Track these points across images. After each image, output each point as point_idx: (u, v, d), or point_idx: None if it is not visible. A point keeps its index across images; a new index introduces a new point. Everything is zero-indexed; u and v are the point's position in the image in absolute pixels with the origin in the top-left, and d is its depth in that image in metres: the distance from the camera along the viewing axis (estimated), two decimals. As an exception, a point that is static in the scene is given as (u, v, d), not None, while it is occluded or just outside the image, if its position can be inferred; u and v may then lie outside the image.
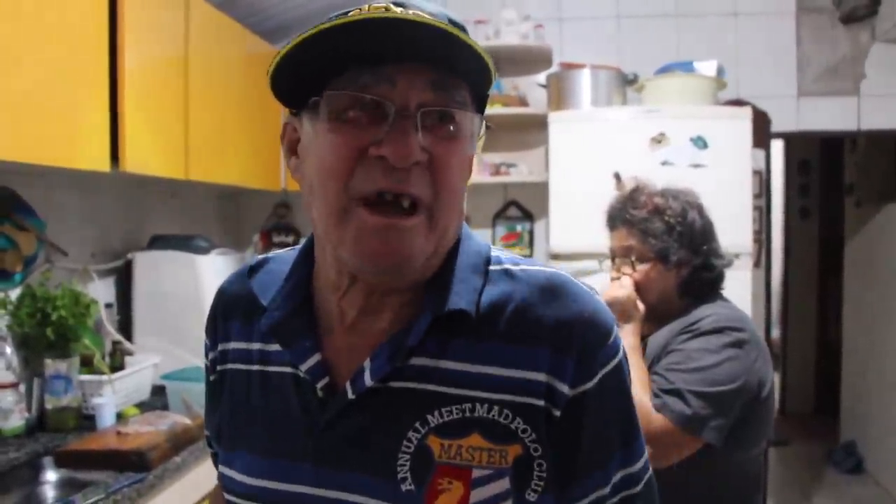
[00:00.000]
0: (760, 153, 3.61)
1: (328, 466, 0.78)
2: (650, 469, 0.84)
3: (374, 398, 0.77)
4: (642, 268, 1.77)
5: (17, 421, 2.19)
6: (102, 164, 2.18)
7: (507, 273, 0.81)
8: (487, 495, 0.74)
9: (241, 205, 4.15)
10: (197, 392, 2.41)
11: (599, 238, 1.93)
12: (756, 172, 3.46)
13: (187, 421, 2.20)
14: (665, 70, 3.54)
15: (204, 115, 2.74)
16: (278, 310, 0.83)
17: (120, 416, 2.35)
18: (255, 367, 0.86)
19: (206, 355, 0.96)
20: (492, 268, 0.82)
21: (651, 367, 1.70)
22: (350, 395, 0.77)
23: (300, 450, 0.79)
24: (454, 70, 0.74)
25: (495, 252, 0.85)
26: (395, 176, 0.72)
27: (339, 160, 0.73)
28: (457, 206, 0.77)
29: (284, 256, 0.90)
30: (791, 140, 5.58)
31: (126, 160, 2.24)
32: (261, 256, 0.93)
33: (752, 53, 3.92)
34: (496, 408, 0.75)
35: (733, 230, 1.93)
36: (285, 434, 0.81)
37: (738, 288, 2.03)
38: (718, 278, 1.81)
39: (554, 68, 3.86)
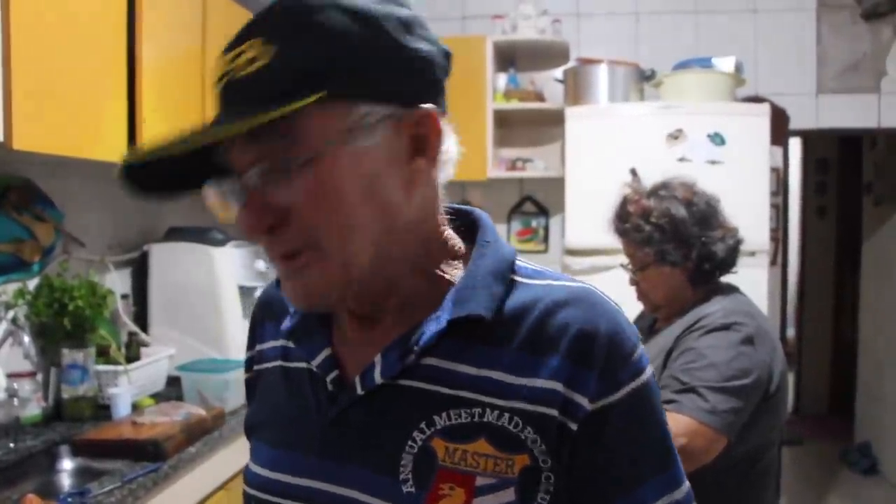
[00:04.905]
0: (778, 150, 3.59)
1: (333, 461, 0.77)
2: (693, 500, 0.80)
3: (383, 395, 0.76)
4: (645, 274, 1.81)
5: (34, 409, 2.21)
6: (120, 155, 2.18)
7: (533, 283, 0.79)
8: None
9: (257, 197, 4.15)
10: (212, 383, 2.43)
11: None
12: (773, 170, 3.44)
13: (202, 412, 2.22)
14: (683, 66, 3.51)
15: (221, 108, 2.74)
16: (297, 313, 0.84)
17: (135, 407, 2.36)
18: (279, 364, 0.88)
19: (245, 355, 0.98)
20: (517, 277, 0.79)
21: (665, 363, 1.69)
22: (359, 391, 0.76)
23: (308, 443, 0.79)
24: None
25: (521, 262, 0.82)
26: (265, 243, 0.73)
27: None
28: (346, 228, 0.71)
29: None
30: (809, 138, 5.54)
31: (144, 152, 2.25)
32: None
33: (772, 50, 3.89)
34: (506, 415, 0.72)
35: (750, 228, 1.92)
36: (298, 427, 0.81)
37: (754, 286, 2.03)
38: (725, 262, 1.79)
39: (571, 63, 3.84)
